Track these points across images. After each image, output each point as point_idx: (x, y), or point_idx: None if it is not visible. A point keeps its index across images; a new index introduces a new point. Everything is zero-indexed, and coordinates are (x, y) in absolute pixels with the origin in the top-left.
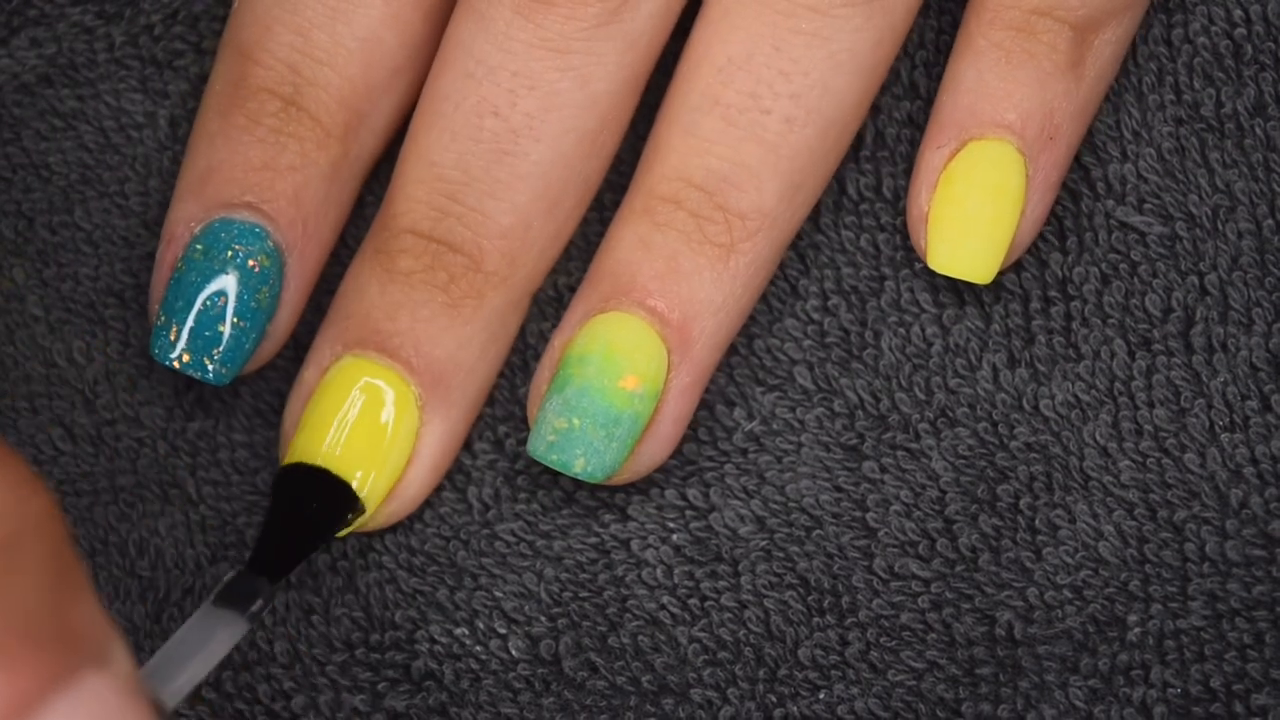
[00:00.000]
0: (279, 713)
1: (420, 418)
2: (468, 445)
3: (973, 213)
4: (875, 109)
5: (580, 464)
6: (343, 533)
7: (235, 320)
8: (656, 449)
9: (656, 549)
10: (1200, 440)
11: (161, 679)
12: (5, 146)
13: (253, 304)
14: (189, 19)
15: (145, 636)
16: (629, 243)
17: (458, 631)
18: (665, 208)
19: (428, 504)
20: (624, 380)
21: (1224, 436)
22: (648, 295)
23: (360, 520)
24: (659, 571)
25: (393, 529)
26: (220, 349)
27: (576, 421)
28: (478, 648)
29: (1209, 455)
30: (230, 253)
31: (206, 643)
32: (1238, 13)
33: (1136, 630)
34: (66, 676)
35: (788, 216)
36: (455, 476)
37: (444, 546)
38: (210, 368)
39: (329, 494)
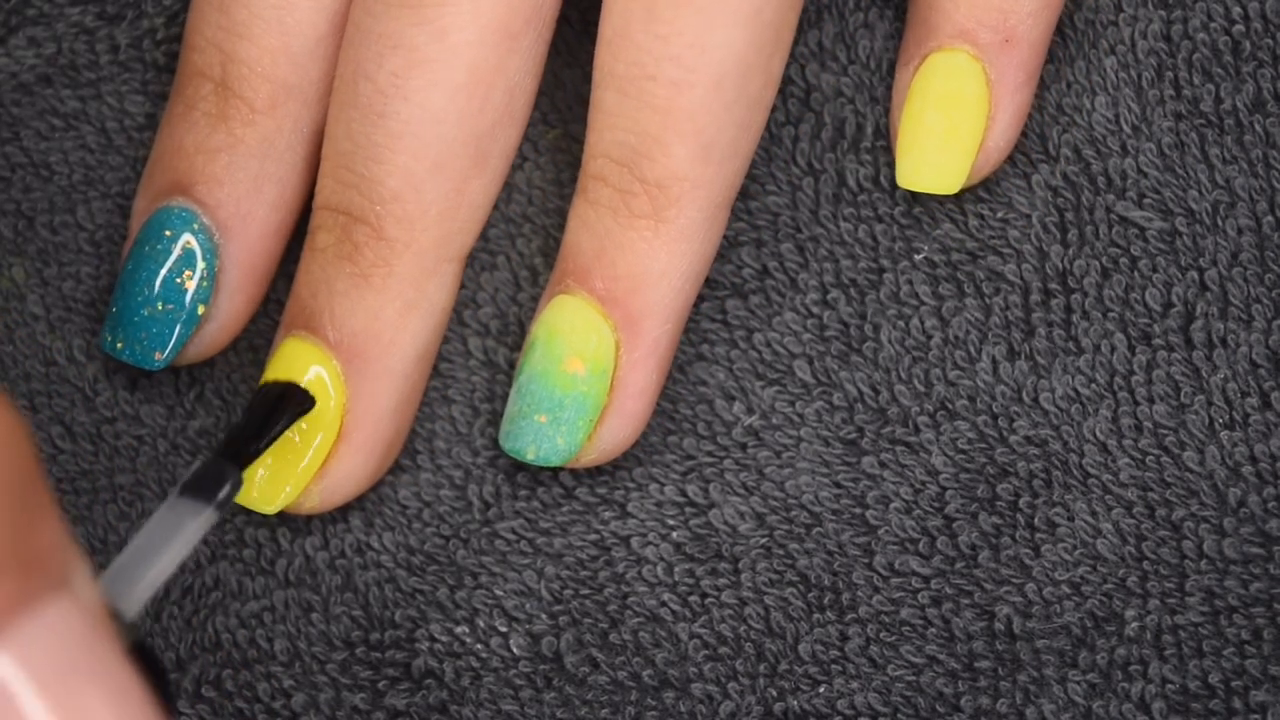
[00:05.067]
0: (279, 711)
1: (345, 392)
2: (468, 442)
3: (929, 125)
4: (874, 101)
5: (532, 451)
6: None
7: (161, 304)
8: (621, 426)
9: (656, 546)
10: (1199, 438)
11: (132, 574)
12: (5, 146)
13: (179, 287)
14: None
15: (144, 635)
16: (574, 225)
17: (458, 630)
18: (594, 185)
19: (427, 503)
20: (566, 363)
21: (1223, 434)
22: (589, 276)
23: (291, 495)
24: (659, 569)
25: (391, 528)
26: (148, 334)
27: (526, 409)
28: (478, 645)
29: (1208, 453)
30: (160, 239)
31: (176, 534)
32: (1236, 9)
33: (1135, 626)
34: (28, 600)
35: (710, 177)
36: (455, 474)
37: (444, 545)
38: (141, 353)
39: (290, 393)
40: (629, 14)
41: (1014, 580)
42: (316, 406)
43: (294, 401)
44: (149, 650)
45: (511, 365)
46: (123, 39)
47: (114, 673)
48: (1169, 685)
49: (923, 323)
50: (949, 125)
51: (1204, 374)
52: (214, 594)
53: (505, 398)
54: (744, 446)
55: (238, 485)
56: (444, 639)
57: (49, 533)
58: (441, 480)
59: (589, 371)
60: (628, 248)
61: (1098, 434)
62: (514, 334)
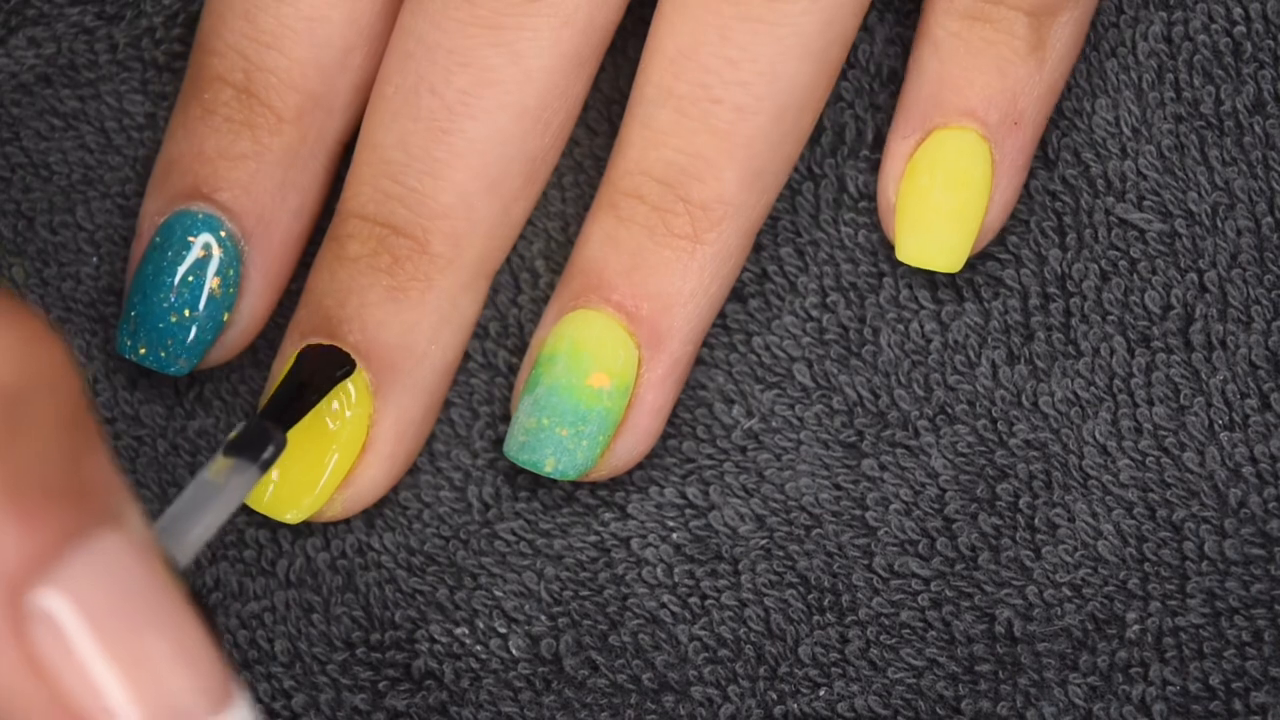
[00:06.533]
0: (279, 712)
1: (372, 403)
2: (468, 444)
3: (938, 204)
4: (875, 108)
5: (550, 463)
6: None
7: (187, 311)
8: (634, 443)
9: (656, 547)
10: (1199, 439)
11: (179, 530)
12: (5, 146)
13: (206, 293)
14: (189, 21)
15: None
16: (596, 239)
17: (458, 631)
18: (628, 202)
19: (427, 504)
20: (591, 378)
21: (1223, 435)
22: (614, 291)
23: (315, 505)
24: (659, 570)
25: (392, 529)
26: (174, 339)
27: (545, 421)
28: (478, 647)
29: (1208, 454)
30: (184, 244)
31: (220, 492)
32: (1237, 10)
33: (1135, 628)
34: (83, 532)
35: (751, 204)
36: (455, 475)
37: (444, 546)
38: (166, 359)
39: (330, 356)
40: (699, 34)
41: (1014, 582)
42: (339, 415)
43: (336, 364)
44: (199, 599)
45: (511, 368)
46: (122, 38)
47: (172, 609)
48: (1170, 687)
49: (922, 327)
50: (958, 205)
51: (1203, 376)
52: (214, 594)
53: (504, 400)
54: (744, 449)
55: (281, 446)
56: (444, 640)
57: (101, 466)
58: (441, 482)
59: (614, 388)
60: (660, 267)
61: (1097, 436)
62: (514, 337)
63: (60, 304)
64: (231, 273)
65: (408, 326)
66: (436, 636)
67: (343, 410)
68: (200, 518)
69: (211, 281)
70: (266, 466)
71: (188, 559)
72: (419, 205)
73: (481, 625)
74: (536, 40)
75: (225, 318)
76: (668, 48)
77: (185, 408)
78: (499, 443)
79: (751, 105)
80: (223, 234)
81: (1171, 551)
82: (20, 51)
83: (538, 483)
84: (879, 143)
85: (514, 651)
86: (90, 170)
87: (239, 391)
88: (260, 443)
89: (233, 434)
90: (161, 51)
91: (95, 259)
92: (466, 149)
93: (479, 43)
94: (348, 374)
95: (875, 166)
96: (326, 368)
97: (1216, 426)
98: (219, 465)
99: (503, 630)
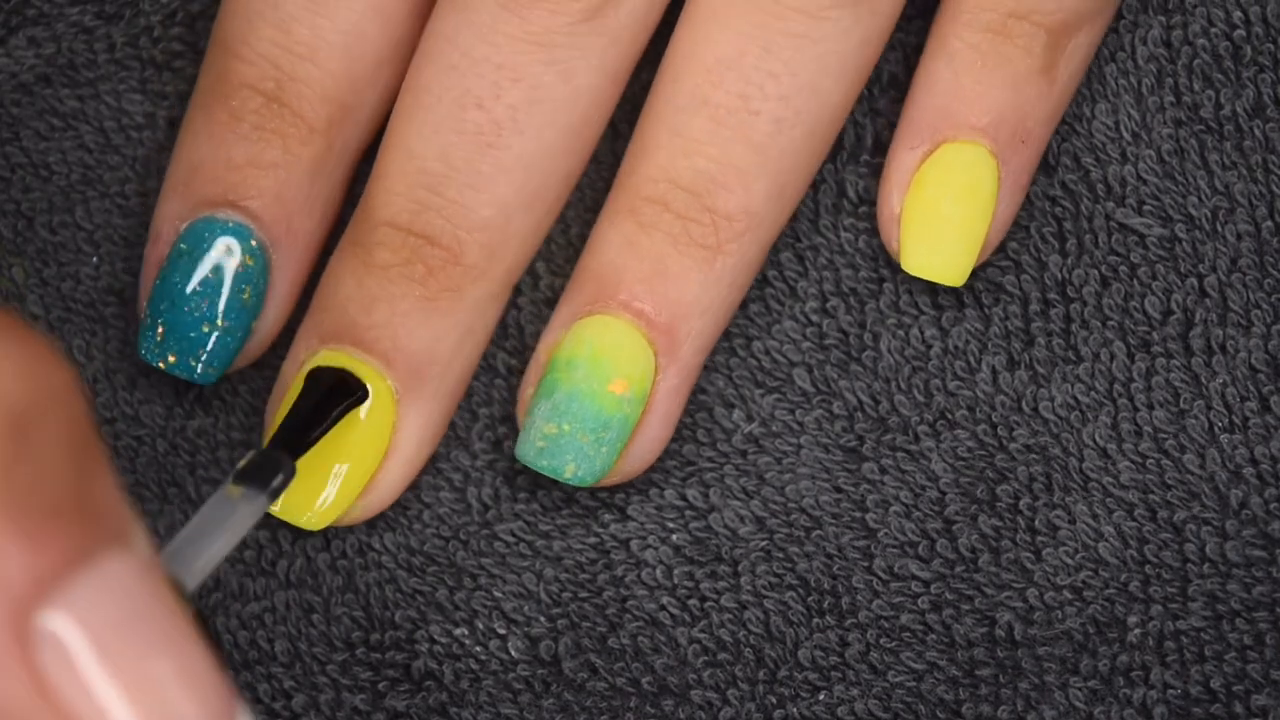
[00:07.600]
0: (279, 712)
1: (396, 411)
2: (467, 446)
3: (946, 216)
4: (875, 112)
5: (571, 469)
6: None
7: (220, 320)
8: (646, 450)
9: (656, 549)
10: (1200, 441)
11: (185, 558)
12: (5, 146)
13: (238, 303)
14: (187, 19)
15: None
16: (615, 244)
17: (457, 632)
18: (651, 209)
19: (426, 504)
20: (613, 384)
21: (1223, 438)
22: (634, 298)
23: (336, 512)
24: (659, 572)
25: (392, 529)
26: (206, 349)
27: (566, 427)
28: (477, 648)
29: (1208, 456)
30: (214, 251)
31: (228, 519)
32: (1237, 14)
33: (1136, 631)
34: (88, 554)
35: (774, 217)
36: (454, 476)
37: (444, 546)
38: (197, 368)
39: (344, 383)
40: (741, 45)
41: (1015, 585)
42: (363, 422)
43: (348, 391)
44: (204, 622)
45: (510, 369)
46: (120, 38)
47: (177, 632)
48: (1170, 691)
49: (922, 332)
50: (964, 218)
51: (1203, 380)
52: (215, 595)
53: (503, 402)
54: (744, 453)
55: (291, 474)
56: (443, 640)
57: (107, 488)
58: (441, 482)
59: (633, 394)
60: (681, 275)
61: (1097, 439)
62: (513, 338)
63: (60, 304)
64: (261, 282)
65: (436, 336)
66: (436, 637)
67: (369, 417)
68: (209, 544)
69: (243, 291)
70: (276, 495)
71: (196, 583)
72: (458, 217)
73: (481, 626)
74: (587, 60)
75: (253, 325)
76: (704, 56)
77: (185, 408)
78: (498, 444)
79: (790, 119)
80: (253, 243)
81: (1172, 554)
82: (20, 51)
83: (537, 484)
84: (879, 148)
85: (513, 653)
86: (90, 170)
87: (238, 391)
88: (270, 471)
89: (243, 462)
90: (160, 50)
91: (95, 259)
92: (513, 164)
93: (531, 60)
94: (359, 401)
95: (875, 171)
96: (339, 395)
97: (1217, 429)
98: (229, 492)
99: (502, 631)
